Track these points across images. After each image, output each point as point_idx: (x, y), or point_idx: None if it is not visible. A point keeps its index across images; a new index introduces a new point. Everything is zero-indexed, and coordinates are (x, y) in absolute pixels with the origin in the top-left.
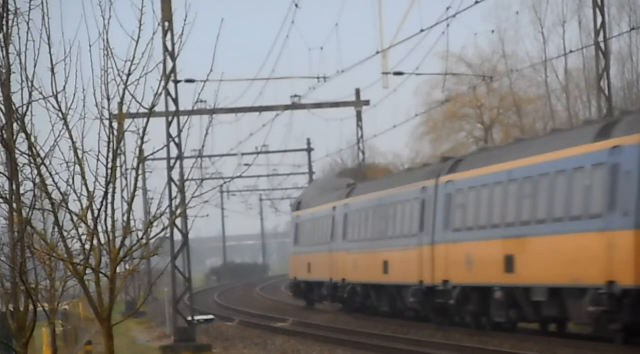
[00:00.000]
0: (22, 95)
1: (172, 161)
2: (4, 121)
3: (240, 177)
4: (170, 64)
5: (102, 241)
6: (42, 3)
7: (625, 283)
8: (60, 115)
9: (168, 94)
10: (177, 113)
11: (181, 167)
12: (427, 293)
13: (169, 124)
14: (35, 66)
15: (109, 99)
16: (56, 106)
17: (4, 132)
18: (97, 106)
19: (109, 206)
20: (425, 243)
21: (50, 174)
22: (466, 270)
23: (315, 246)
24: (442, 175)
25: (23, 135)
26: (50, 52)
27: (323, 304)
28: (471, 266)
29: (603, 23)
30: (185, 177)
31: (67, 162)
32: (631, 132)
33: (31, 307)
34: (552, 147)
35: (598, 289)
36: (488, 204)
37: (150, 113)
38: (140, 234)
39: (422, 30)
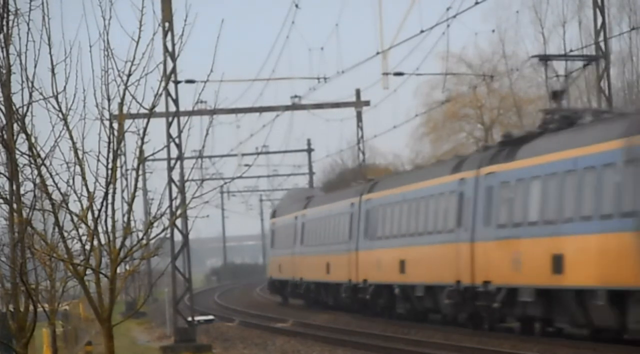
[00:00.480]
0: (22, 95)
1: (172, 161)
2: (4, 121)
3: (240, 177)
4: (170, 65)
5: (102, 242)
6: (42, 3)
7: (466, 281)
8: (61, 115)
9: (168, 94)
10: (177, 113)
11: (181, 168)
12: (353, 289)
13: (169, 125)
14: (35, 66)
15: (109, 100)
16: (56, 106)
17: (4, 132)
18: (97, 106)
19: (109, 207)
20: (353, 249)
21: (51, 174)
22: (377, 271)
23: (284, 249)
24: (364, 194)
25: (23, 135)
26: (50, 53)
27: (291, 300)
28: (380, 267)
29: (603, 23)
30: (186, 178)
31: (67, 163)
32: (471, 168)
33: (31, 307)
34: (427, 176)
35: (451, 286)
36: (390, 219)
37: (151, 113)
38: (141, 234)
39: (422, 31)
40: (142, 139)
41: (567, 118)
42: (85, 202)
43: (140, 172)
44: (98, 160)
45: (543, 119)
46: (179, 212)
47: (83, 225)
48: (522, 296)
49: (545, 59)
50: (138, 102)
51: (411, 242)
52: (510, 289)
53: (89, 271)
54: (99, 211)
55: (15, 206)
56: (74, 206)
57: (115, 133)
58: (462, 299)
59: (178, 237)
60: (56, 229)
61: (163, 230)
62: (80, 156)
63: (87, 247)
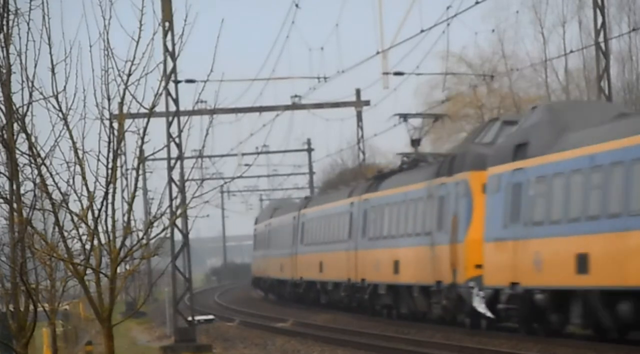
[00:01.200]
0: (22, 95)
1: (172, 161)
2: (4, 121)
3: (240, 177)
4: (170, 64)
5: (103, 241)
6: (42, 3)
7: (353, 279)
8: (61, 115)
9: (168, 94)
10: (177, 113)
11: (181, 167)
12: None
13: (169, 124)
14: (35, 66)
15: (109, 99)
16: (56, 105)
17: (4, 132)
18: (97, 106)
19: (109, 206)
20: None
21: (51, 174)
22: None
23: (258, 251)
24: (302, 209)
25: (23, 135)
26: (50, 52)
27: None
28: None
29: (603, 23)
30: (186, 177)
31: (67, 162)
32: (357, 195)
33: (31, 307)
34: (333, 199)
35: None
36: (313, 229)
37: (151, 113)
38: (141, 234)
39: (422, 30)
40: (142, 138)
41: (416, 161)
42: (85, 202)
43: (140, 171)
44: (98, 160)
45: (402, 160)
46: (179, 212)
47: (83, 225)
48: (380, 289)
49: (404, 116)
50: (138, 102)
51: (326, 249)
52: (375, 285)
53: (89, 271)
54: (99, 210)
55: (15, 205)
56: (74, 206)
57: (115, 133)
58: (352, 292)
59: (178, 237)
60: (56, 229)
61: (163, 230)
62: (80, 156)
63: (87, 247)
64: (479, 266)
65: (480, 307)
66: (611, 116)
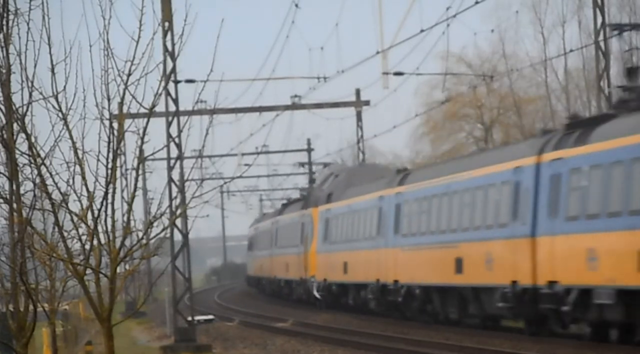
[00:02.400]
0: (22, 95)
1: (172, 161)
2: (4, 121)
3: (240, 177)
4: (170, 64)
5: (102, 241)
6: (42, 3)
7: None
8: (60, 115)
9: (168, 94)
10: (177, 113)
11: (181, 167)
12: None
13: (169, 124)
14: (35, 66)
15: (109, 99)
16: (56, 106)
17: (4, 132)
18: (97, 106)
19: (109, 206)
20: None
21: (50, 174)
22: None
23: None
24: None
25: (23, 135)
26: (50, 52)
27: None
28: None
29: (603, 23)
30: (185, 177)
31: (67, 162)
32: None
33: (31, 307)
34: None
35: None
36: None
37: (150, 113)
38: (140, 234)
39: (422, 31)
40: (142, 138)
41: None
42: (85, 202)
43: (140, 171)
44: (98, 160)
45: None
46: (178, 212)
47: (83, 225)
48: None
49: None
50: (138, 102)
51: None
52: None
53: (88, 271)
54: (99, 210)
55: (15, 205)
56: (74, 206)
57: (115, 133)
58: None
59: (178, 237)
60: (56, 229)
61: (163, 230)
62: (80, 156)
63: (87, 247)
64: None
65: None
66: (373, 176)
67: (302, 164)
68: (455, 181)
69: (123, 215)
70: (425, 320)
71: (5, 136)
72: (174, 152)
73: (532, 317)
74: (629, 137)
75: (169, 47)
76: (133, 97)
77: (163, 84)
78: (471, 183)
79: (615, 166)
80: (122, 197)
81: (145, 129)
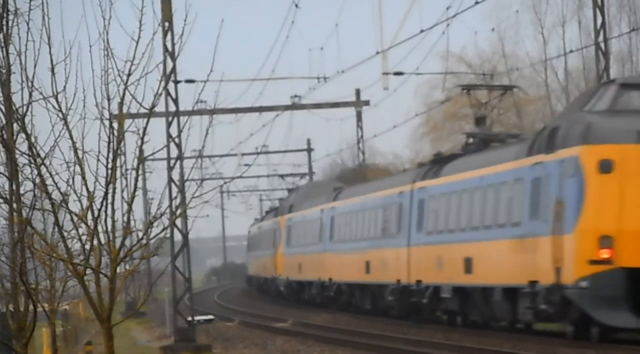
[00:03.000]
0: (22, 95)
1: (172, 161)
2: (4, 121)
3: (240, 177)
4: (170, 64)
5: (102, 241)
6: (42, 3)
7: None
8: (60, 115)
9: (168, 94)
10: (177, 113)
11: (181, 168)
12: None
13: (169, 124)
14: (35, 66)
15: (109, 99)
16: (56, 106)
17: (4, 132)
18: (97, 106)
19: (109, 206)
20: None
21: (50, 174)
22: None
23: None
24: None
25: (23, 135)
26: (50, 52)
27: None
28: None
29: (603, 23)
30: (185, 178)
31: (67, 162)
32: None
33: (31, 307)
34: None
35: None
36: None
37: (150, 113)
38: (140, 234)
39: (422, 30)
40: (142, 138)
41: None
42: (85, 202)
43: (140, 172)
44: (98, 160)
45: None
46: (178, 212)
47: (83, 225)
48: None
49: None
50: (138, 102)
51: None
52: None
53: (88, 271)
54: (99, 210)
55: (15, 205)
56: (74, 206)
57: (115, 133)
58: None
59: (178, 237)
60: (56, 229)
61: (163, 230)
62: (80, 156)
63: (87, 247)
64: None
65: None
66: (322, 191)
67: (301, 176)
68: (365, 200)
69: (123, 215)
70: (348, 310)
71: (5, 136)
72: (174, 152)
73: (409, 309)
74: (460, 174)
75: (169, 47)
76: (133, 97)
77: (163, 84)
78: (374, 203)
79: (452, 195)
80: (122, 197)
81: (145, 129)
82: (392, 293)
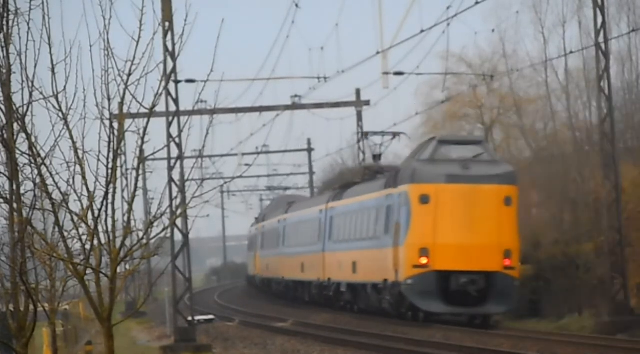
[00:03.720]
0: (22, 95)
1: (173, 161)
2: (4, 121)
3: (240, 177)
4: (170, 64)
5: (103, 241)
6: (42, 3)
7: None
8: (61, 115)
9: (168, 94)
10: (178, 113)
11: (181, 167)
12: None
13: (169, 124)
14: (35, 66)
15: (109, 99)
16: (56, 105)
17: (4, 132)
18: (97, 106)
19: (109, 206)
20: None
21: (51, 174)
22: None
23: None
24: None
25: (23, 135)
26: (50, 52)
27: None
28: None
29: (603, 23)
30: (186, 177)
31: (67, 162)
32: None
33: (31, 307)
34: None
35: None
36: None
37: (151, 113)
38: (141, 234)
39: (422, 30)
40: (142, 138)
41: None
42: (85, 202)
43: (140, 171)
44: (98, 160)
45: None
46: (179, 211)
47: (83, 225)
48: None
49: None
50: (138, 102)
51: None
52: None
53: (89, 271)
54: (99, 210)
55: (15, 205)
56: (74, 206)
57: (116, 133)
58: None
59: (178, 237)
60: (56, 229)
61: (163, 230)
62: (81, 156)
63: (87, 246)
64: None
65: None
66: (283, 204)
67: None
68: (302, 214)
69: (123, 215)
70: (294, 300)
71: (5, 136)
72: (174, 152)
73: (325, 300)
74: (351, 198)
75: (169, 47)
76: (133, 97)
77: (163, 84)
78: (308, 216)
79: (346, 214)
80: (123, 197)
81: (145, 129)
82: (315, 287)
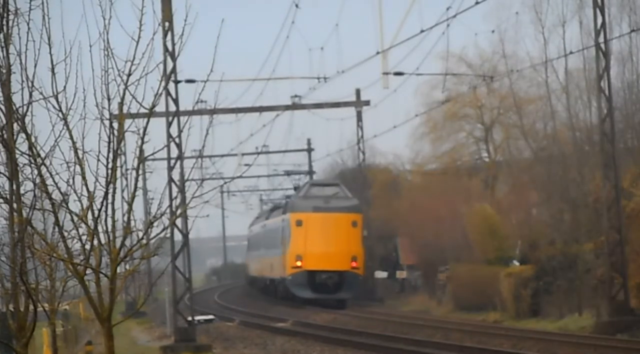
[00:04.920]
0: (22, 95)
1: (172, 161)
2: (4, 121)
3: (240, 177)
4: (170, 64)
5: (102, 241)
6: (42, 3)
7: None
8: (61, 115)
9: (168, 94)
10: (177, 113)
11: (181, 167)
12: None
13: (169, 124)
14: (35, 66)
15: (109, 99)
16: (56, 106)
17: (4, 132)
18: (97, 106)
19: (109, 206)
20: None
21: (51, 174)
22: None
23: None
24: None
25: (23, 135)
26: (50, 52)
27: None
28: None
29: (603, 23)
30: (186, 177)
31: (67, 162)
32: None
33: (31, 307)
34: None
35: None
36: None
37: (151, 113)
38: (141, 234)
39: (422, 31)
40: (142, 138)
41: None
42: (85, 202)
43: (140, 171)
44: (98, 160)
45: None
46: (179, 211)
47: (83, 225)
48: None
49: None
50: (138, 102)
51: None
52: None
53: (89, 271)
54: (99, 210)
55: (15, 205)
56: (74, 206)
57: (115, 133)
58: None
59: (178, 237)
60: (56, 229)
61: (163, 230)
62: (80, 156)
63: (87, 246)
64: None
65: None
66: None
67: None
68: (267, 227)
69: (123, 215)
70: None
71: (5, 136)
72: (174, 152)
73: (263, 292)
74: (271, 219)
75: (169, 47)
76: (133, 97)
77: (163, 84)
78: (266, 228)
79: (269, 230)
80: (122, 197)
81: (145, 129)
82: (261, 282)
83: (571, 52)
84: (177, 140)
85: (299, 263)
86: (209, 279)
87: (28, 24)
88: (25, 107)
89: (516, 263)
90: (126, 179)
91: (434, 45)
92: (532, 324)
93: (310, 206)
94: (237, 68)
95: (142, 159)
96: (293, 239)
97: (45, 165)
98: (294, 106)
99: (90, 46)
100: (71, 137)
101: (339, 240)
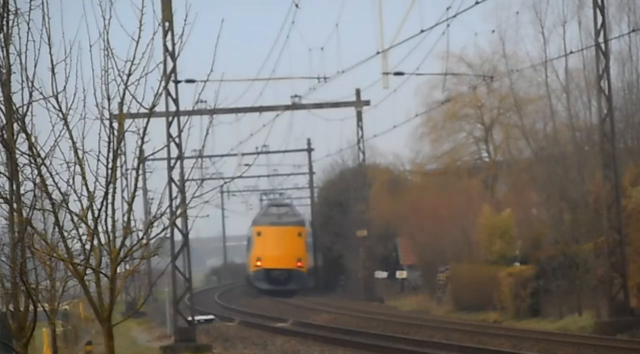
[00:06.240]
0: (22, 95)
1: (172, 161)
2: (4, 121)
3: (240, 177)
4: (170, 64)
5: (102, 241)
6: (42, 3)
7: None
8: (61, 115)
9: (168, 94)
10: (177, 113)
11: (181, 167)
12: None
13: (169, 124)
14: (35, 66)
15: (109, 99)
16: (56, 105)
17: (4, 132)
18: (97, 106)
19: (109, 206)
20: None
21: (51, 174)
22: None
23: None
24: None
25: (23, 135)
26: (50, 52)
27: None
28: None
29: (603, 23)
30: (186, 177)
31: (67, 162)
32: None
33: (31, 307)
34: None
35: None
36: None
37: (151, 113)
38: (141, 234)
39: (422, 31)
40: (142, 138)
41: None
42: (85, 202)
43: (140, 171)
44: (98, 160)
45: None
46: (179, 211)
47: (83, 225)
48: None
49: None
50: (138, 102)
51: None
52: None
53: (89, 271)
54: (99, 210)
55: (15, 205)
56: (74, 206)
57: (115, 133)
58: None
59: (178, 237)
60: (56, 229)
61: (163, 230)
62: (80, 156)
63: (87, 246)
64: None
65: None
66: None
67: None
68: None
69: (123, 215)
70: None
71: (5, 136)
72: (174, 152)
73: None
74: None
75: (169, 47)
76: (133, 97)
77: (163, 84)
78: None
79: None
80: (122, 197)
81: (145, 129)
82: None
83: (571, 52)
84: (177, 140)
85: (259, 263)
86: (209, 280)
87: (28, 24)
88: (25, 107)
89: (516, 263)
90: (126, 179)
91: (434, 45)
92: (532, 325)
93: (267, 221)
94: (237, 68)
95: (142, 159)
96: (255, 245)
97: (45, 165)
98: (294, 106)
99: (90, 46)
100: (71, 137)
101: (287, 246)
